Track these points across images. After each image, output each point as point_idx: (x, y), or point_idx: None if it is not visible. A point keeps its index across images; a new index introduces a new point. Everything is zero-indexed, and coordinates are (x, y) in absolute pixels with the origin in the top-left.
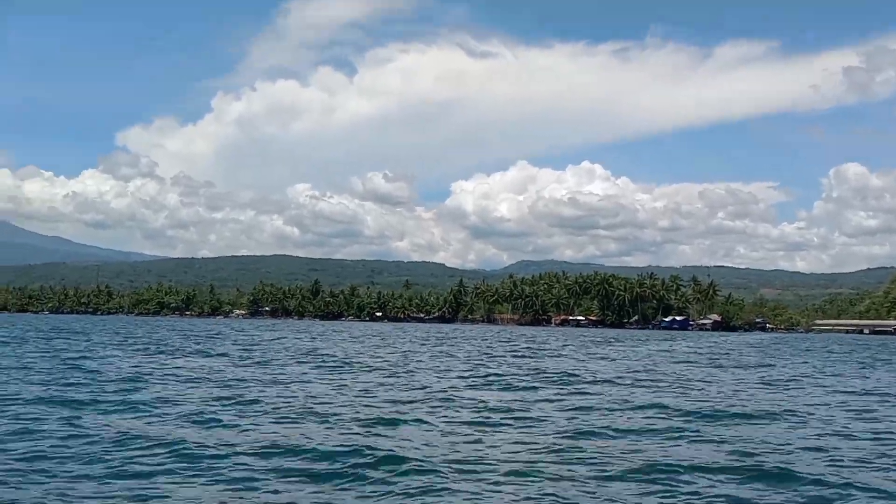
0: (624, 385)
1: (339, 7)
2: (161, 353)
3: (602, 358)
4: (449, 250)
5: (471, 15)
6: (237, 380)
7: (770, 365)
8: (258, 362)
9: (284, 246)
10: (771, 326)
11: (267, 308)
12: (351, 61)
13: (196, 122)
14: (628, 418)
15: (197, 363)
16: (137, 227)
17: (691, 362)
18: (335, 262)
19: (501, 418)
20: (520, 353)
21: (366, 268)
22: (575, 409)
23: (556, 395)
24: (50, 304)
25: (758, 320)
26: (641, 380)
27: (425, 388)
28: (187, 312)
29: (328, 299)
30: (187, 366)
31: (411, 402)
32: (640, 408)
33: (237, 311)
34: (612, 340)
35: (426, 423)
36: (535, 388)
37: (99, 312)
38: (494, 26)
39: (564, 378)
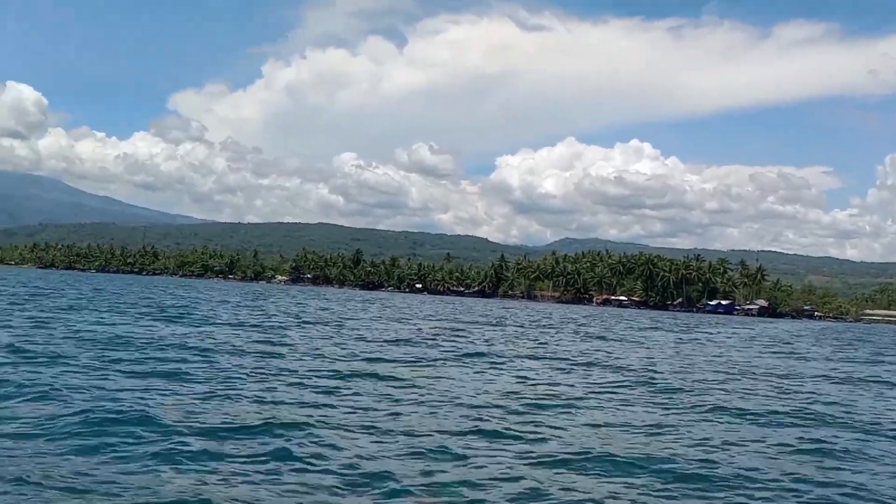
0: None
1: None
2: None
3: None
4: (492, 225)
5: None
6: None
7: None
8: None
9: (329, 214)
10: (819, 314)
11: (308, 275)
12: (401, 31)
13: (246, 87)
14: None
15: None
16: (186, 190)
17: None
18: (378, 232)
19: None
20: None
21: (408, 239)
22: None
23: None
24: (97, 263)
25: (806, 307)
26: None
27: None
28: (230, 276)
29: (369, 269)
30: None
31: None
32: None
33: (279, 277)
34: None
35: None
36: None
37: (144, 273)
38: None
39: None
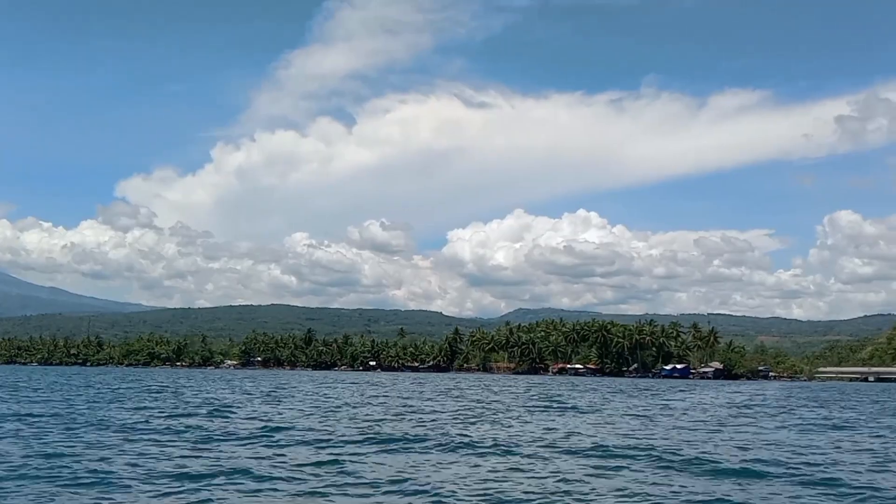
0: None
1: (339, 58)
2: None
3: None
4: (446, 299)
5: (468, 66)
6: None
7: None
8: None
9: (282, 295)
10: (774, 374)
11: (259, 358)
12: (349, 112)
13: (196, 171)
14: None
15: None
16: (135, 277)
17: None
18: (332, 311)
19: None
20: None
21: (362, 317)
22: None
23: None
24: (39, 356)
25: (760, 368)
26: None
27: None
28: (178, 363)
29: (321, 348)
30: None
31: None
32: None
33: (229, 362)
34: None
35: None
36: None
37: (88, 364)
38: (491, 77)
39: None
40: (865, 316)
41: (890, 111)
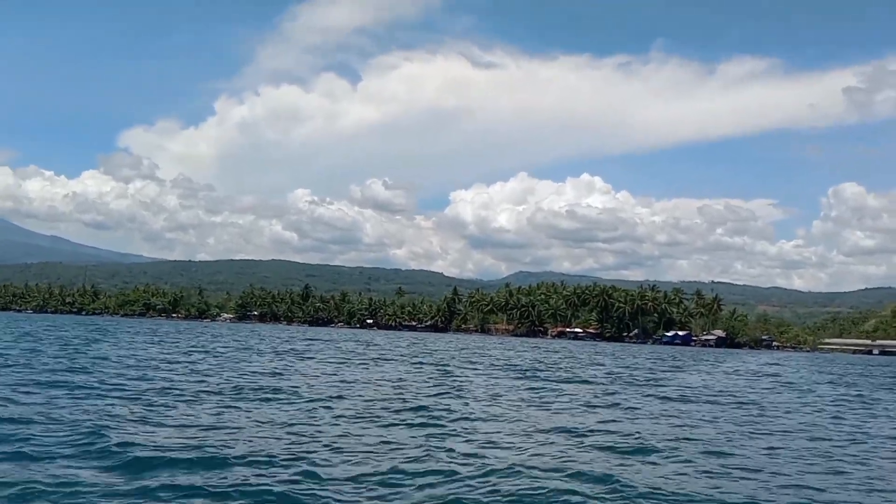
0: None
1: (345, 13)
2: None
3: None
4: (447, 259)
5: (476, 25)
6: None
7: None
8: None
9: (283, 251)
10: (777, 344)
11: (255, 312)
12: (355, 68)
13: (198, 124)
14: None
15: None
16: (136, 228)
17: None
18: (332, 268)
19: None
20: None
21: (363, 275)
22: None
23: None
24: (34, 303)
25: (763, 337)
26: None
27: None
28: (174, 315)
29: (318, 304)
30: None
31: None
32: None
33: (225, 315)
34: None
35: None
36: None
37: (84, 313)
38: (499, 37)
39: None
40: (866, 289)
41: None
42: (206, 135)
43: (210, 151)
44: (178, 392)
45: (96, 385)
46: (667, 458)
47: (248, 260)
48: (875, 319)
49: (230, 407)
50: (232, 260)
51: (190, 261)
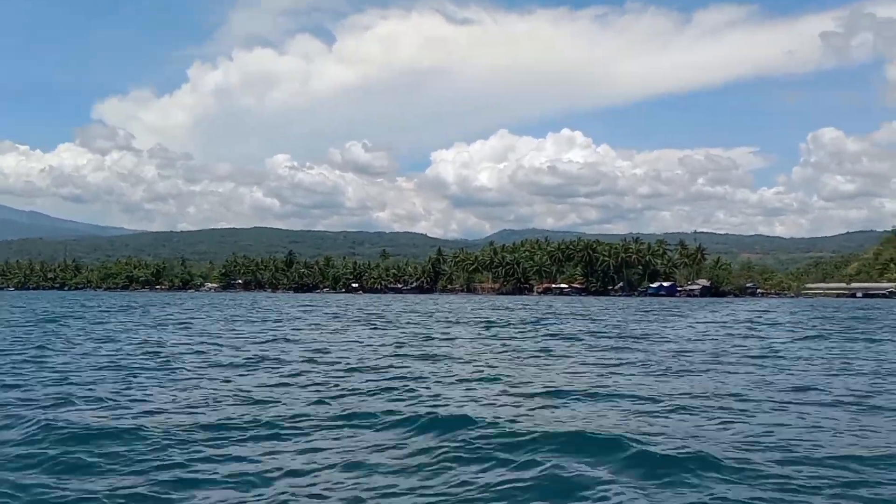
0: None
1: None
2: None
3: None
4: (430, 220)
5: None
6: None
7: None
8: None
9: (265, 218)
10: (762, 291)
11: (240, 281)
12: (329, 29)
13: (173, 92)
14: None
15: None
16: (115, 200)
17: None
18: (315, 233)
19: None
20: None
21: (347, 239)
22: None
23: None
24: (15, 280)
25: (748, 285)
26: None
27: None
28: (157, 286)
29: (303, 271)
30: None
31: None
32: None
33: (209, 284)
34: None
35: None
36: None
37: (66, 288)
38: None
39: None
40: (848, 233)
41: (875, 26)
42: (180, 102)
43: (186, 119)
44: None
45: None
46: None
47: (229, 228)
48: (857, 263)
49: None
50: (214, 229)
51: (171, 231)
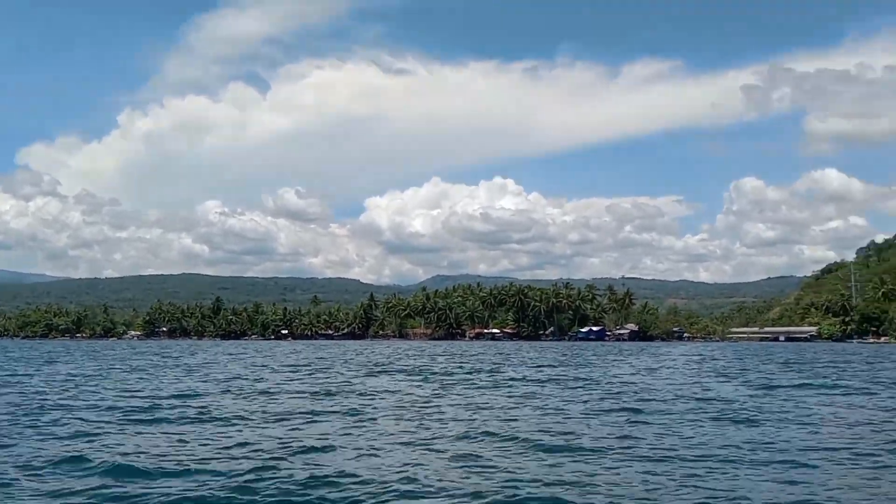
0: None
1: (252, 23)
2: None
3: None
4: (364, 266)
5: (386, 32)
6: None
7: None
8: None
9: (194, 265)
10: (688, 335)
11: (164, 328)
12: (263, 77)
13: (101, 138)
14: None
15: None
16: (38, 247)
17: None
18: (246, 279)
19: None
20: None
21: (278, 285)
22: None
23: None
24: None
25: (675, 329)
26: None
27: None
28: (78, 334)
29: (230, 317)
30: None
31: None
32: None
33: (132, 332)
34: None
35: None
36: None
37: None
38: (409, 44)
39: None
40: (769, 278)
41: (792, 80)
42: (109, 148)
43: (114, 165)
44: None
45: None
46: None
47: (157, 275)
48: (779, 307)
49: None
50: (140, 275)
51: (96, 278)
